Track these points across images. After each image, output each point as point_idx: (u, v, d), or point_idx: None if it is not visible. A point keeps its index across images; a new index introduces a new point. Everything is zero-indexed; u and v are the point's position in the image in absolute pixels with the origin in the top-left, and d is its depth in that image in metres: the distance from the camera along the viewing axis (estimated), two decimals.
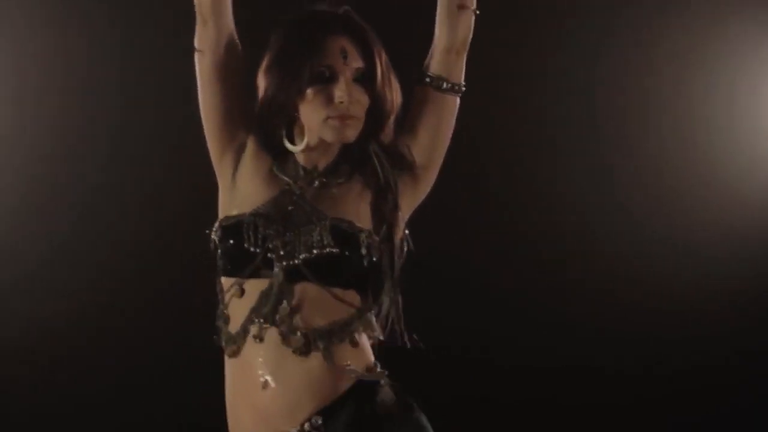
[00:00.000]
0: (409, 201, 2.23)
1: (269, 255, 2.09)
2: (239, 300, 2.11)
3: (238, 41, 2.21)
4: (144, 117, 3.46)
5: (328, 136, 2.14)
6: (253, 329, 2.07)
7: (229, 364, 2.14)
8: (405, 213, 2.21)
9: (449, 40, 2.18)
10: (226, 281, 2.15)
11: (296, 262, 2.08)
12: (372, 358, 2.14)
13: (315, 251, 2.08)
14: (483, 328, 3.64)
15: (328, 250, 2.07)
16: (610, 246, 3.75)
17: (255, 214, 2.12)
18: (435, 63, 2.21)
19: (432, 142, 2.22)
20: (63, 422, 3.51)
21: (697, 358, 3.76)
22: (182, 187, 2.88)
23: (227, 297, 2.13)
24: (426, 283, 3.16)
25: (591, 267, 3.74)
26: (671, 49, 3.69)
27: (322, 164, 2.20)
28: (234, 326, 2.11)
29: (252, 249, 2.09)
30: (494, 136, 3.59)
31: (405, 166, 2.21)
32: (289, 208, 2.14)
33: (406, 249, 2.19)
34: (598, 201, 3.73)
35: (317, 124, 2.14)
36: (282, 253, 2.09)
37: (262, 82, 2.19)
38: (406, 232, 2.20)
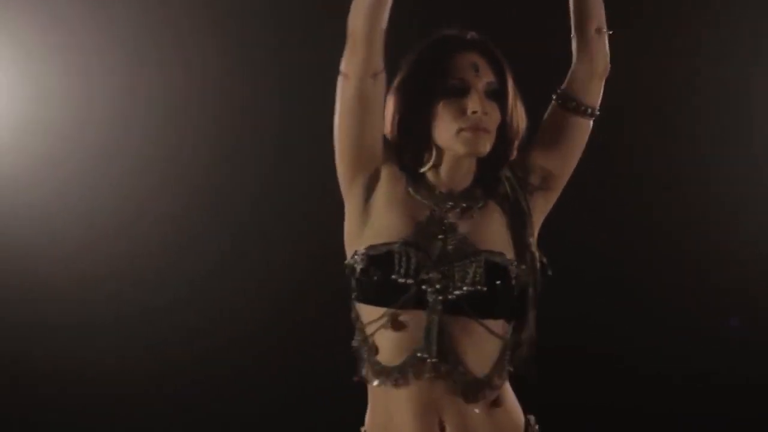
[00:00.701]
0: (539, 216, 2.25)
1: (423, 287, 2.08)
2: (392, 332, 2.09)
3: (384, 71, 2.16)
4: (299, 139, 3.55)
5: (461, 149, 2.14)
6: (425, 368, 2.06)
7: (384, 394, 2.11)
8: (536, 230, 2.22)
9: (594, 67, 2.21)
10: (371, 310, 2.12)
11: (452, 297, 2.07)
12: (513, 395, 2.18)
13: (471, 287, 2.08)
14: (626, 332, 3.62)
15: (481, 287, 2.08)
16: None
17: (405, 243, 2.10)
18: (577, 88, 2.21)
19: (564, 162, 2.24)
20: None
21: None
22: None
23: (374, 327, 2.10)
24: (568, 287, 3.17)
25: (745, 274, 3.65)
26: None
27: (457, 189, 2.19)
28: (388, 358, 2.09)
29: (405, 280, 2.08)
30: (646, 141, 3.55)
31: (534, 187, 2.22)
32: (439, 237, 2.13)
33: (539, 266, 2.17)
34: (746, 204, 3.66)
35: (450, 138, 2.14)
36: (438, 287, 2.08)
37: (390, 103, 2.19)
38: (535, 251, 2.18)
